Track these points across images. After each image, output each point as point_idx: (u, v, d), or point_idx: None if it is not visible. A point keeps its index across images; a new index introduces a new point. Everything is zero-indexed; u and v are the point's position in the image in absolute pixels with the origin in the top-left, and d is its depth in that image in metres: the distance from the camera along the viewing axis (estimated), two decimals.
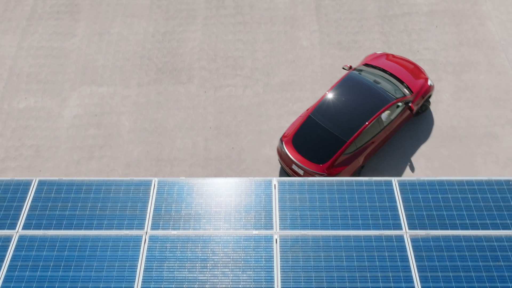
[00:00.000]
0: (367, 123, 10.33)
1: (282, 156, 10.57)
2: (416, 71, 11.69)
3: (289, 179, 7.01)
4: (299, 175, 10.37)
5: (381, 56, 12.02)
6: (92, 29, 14.00)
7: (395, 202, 6.80)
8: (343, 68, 11.61)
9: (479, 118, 11.93)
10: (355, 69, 11.45)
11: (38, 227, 6.53)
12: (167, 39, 13.73)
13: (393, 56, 12.07)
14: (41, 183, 7.07)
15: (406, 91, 11.17)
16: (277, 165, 11.17)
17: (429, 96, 11.61)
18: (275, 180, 6.97)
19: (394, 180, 7.05)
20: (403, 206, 6.77)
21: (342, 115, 10.45)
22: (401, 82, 11.33)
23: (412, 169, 11.11)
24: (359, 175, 10.85)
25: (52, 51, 13.51)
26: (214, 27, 13.98)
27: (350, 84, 10.95)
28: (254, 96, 12.45)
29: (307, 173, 10.21)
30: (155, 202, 6.76)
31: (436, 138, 11.60)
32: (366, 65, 11.71)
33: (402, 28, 13.82)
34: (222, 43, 13.58)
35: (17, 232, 6.48)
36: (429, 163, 11.17)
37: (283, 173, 11.08)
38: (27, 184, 7.06)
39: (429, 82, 11.50)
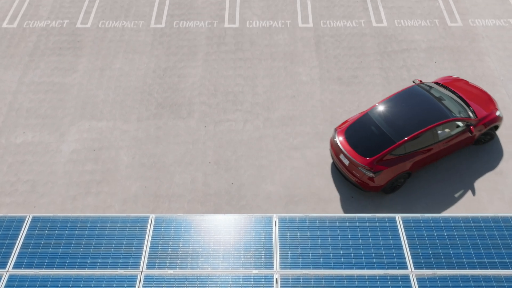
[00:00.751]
0: (420, 130, 10.54)
1: (332, 145, 11.08)
2: (487, 99, 11.83)
3: (290, 216, 6.81)
4: (344, 166, 10.76)
5: (454, 79, 12.36)
6: (93, 65, 14.09)
7: (400, 239, 6.58)
8: (413, 82, 11.98)
9: (482, 153, 11.80)
10: (424, 83, 11.77)
11: (29, 266, 6.29)
12: (168, 74, 13.79)
13: (466, 82, 12.34)
14: (35, 220, 6.87)
15: (470, 114, 11.31)
16: (277, 201, 10.97)
17: (496, 127, 11.70)
18: (276, 217, 6.77)
19: (398, 217, 6.85)
20: (408, 244, 6.54)
21: (398, 118, 10.81)
22: (468, 105, 11.50)
23: (416, 205, 10.89)
24: (404, 181, 10.94)
25: (53, 86, 13.54)
26: (215, 63, 14.07)
27: (413, 94, 11.33)
28: (254, 131, 12.37)
29: (352, 164, 10.55)
30: (151, 239, 6.54)
31: (440, 173, 11.43)
32: (437, 83, 12.05)
33: (402, 64, 13.90)
34: (222, 79, 13.63)
35: (7, 271, 6.24)
36: (433, 199, 10.96)
37: (283, 209, 10.87)
38: (20, 221, 6.86)
39: (497, 113, 11.58)
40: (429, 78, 13.47)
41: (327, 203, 10.90)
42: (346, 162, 10.67)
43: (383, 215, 6.83)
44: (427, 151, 10.75)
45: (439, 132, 10.73)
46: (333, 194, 11.05)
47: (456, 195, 11.06)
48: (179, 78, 13.69)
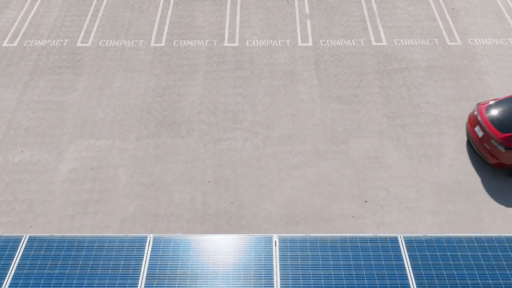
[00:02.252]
0: None
1: (471, 117, 11.83)
2: None
3: (290, 236, 6.69)
4: (477, 138, 11.42)
5: None
6: (93, 83, 14.11)
7: (402, 260, 6.46)
8: None
9: (484, 172, 11.72)
10: None
11: (24, 287, 6.15)
12: (168, 93, 13.80)
13: None
14: (31, 240, 6.75)
15: None
16: (277, 221, 10.84)
17: None
18: (276, 237, 6.66)
19: (400, 237, 6.74)
20: (411, 264, 6.42)
21: None
22: None
23: (418, 224, 10.76)
24: None
25: (52, 104, 13.53)
26: (214, 82, 14.09)
27: None
28: (254, 149, 12.31)
29: (486, 136, 11.18)
30: (149, 260, 6.42)
31: (442, 192, 11.33)
32: None
33: (401, 82, 13.93)
34: (222, 97, 13.63)
35: None
36: (436, 218, 10.84)
37: (283, 229, 10.73)
38: (16, 241, 6.74)
39: None
40: (430, 96, 13.47)
41: (328, 222, 10.78)
42: (480, 134, 11.28)
43: (385, 235, 6.72)
44: None
45: None
46: (334, 214, 10.93)
47: (459, 214, 10.94)
48: (178, 96, 13.69)
